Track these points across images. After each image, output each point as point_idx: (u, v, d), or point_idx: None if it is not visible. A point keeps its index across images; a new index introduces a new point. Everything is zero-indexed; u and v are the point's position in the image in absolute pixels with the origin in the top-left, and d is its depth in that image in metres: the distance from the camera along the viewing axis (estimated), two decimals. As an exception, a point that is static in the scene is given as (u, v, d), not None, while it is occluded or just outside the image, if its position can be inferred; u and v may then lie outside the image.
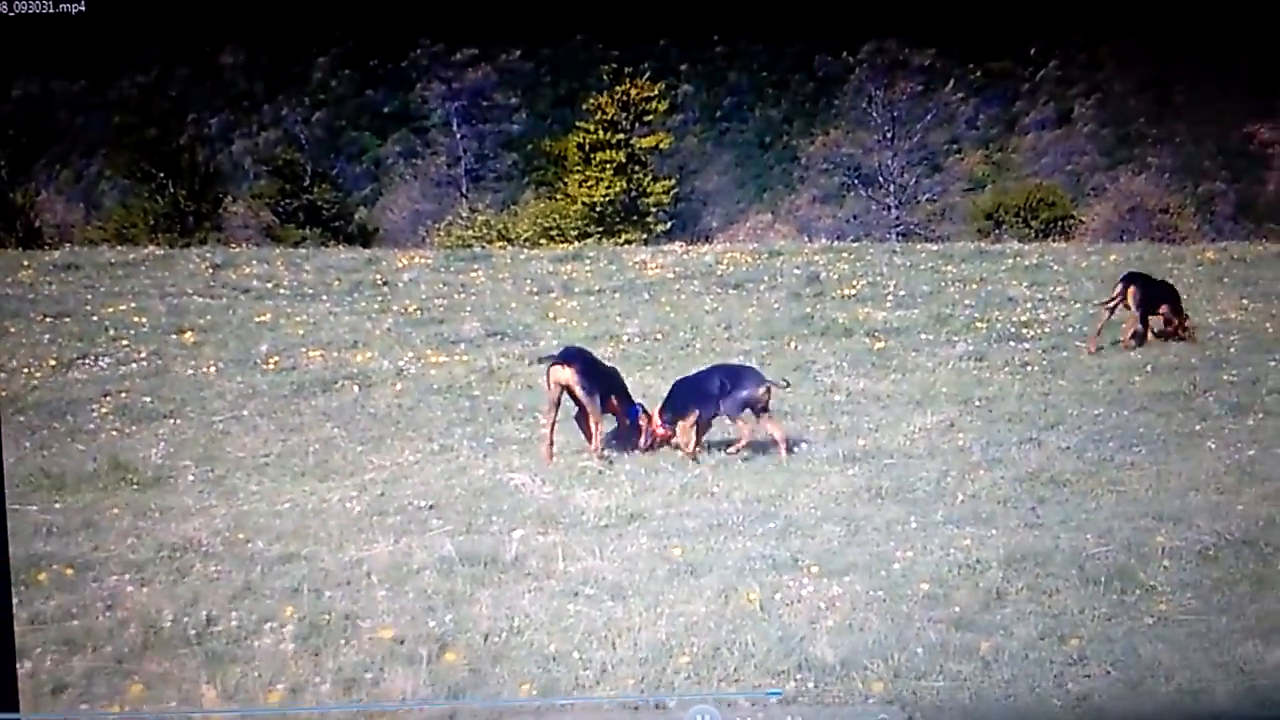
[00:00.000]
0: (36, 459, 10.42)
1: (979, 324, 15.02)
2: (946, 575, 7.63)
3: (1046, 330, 14.74)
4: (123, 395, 12.39)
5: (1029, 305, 15.96)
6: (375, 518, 8.85)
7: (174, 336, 14.65)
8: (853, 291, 16.84)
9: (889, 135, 42.94)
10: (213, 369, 13.40)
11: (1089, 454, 10.28)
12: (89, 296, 16.70)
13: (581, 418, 10.57)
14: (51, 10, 6.41)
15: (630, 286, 17.48)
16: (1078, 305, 15.91)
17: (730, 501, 9.25)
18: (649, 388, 11.34)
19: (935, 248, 21.36)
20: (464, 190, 47.08)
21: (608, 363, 11.26)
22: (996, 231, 36.64)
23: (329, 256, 20.58)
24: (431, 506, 9.13)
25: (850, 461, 10.20)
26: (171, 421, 11.59)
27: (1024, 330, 14.74)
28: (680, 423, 10.41)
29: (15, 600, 6.18)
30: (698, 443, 10.46)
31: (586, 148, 40.11)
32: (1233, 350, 13.82)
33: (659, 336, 14.92)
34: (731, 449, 10.40)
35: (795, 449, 10.54)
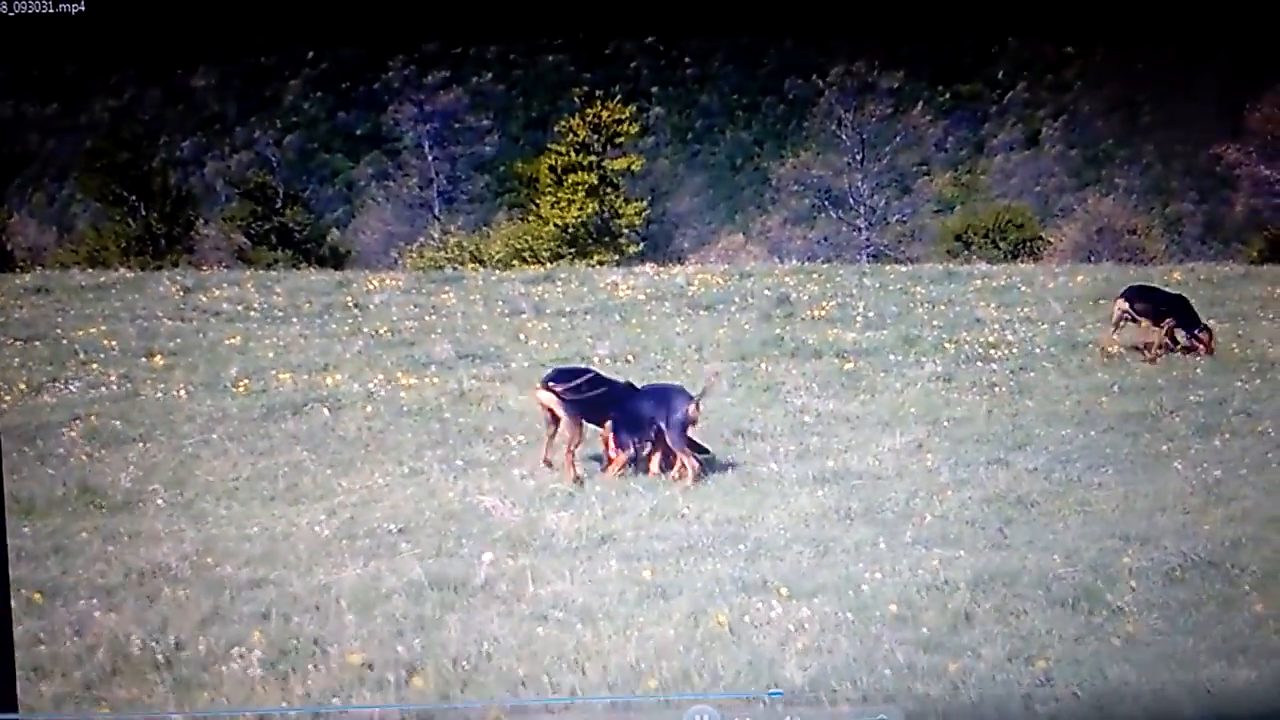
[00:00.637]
0: (6, 483, 10.36)
1: (947, 345, 15.06)
2: (915, 597, 7.68)
3: (1014, 351, 14.80)
4: (92, 419, 12.32)
5: (997, 326, 16.01)
6: (345, 541, 8.84)
7: (144, 360, 14.58)
8: (823, 313, 16.87)
9: (859, 157, 43.05)
10: (183, 392, 13.35)
11: (1056, 475, 10.34)
12: (59, 320, 16.60)
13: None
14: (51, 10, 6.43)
15: (602, 308, 17.46)
16: (1045, 326, 15.97)
17: (701, 523, 9.27)
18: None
19: (905, 269, 21.40)
20: (436, 212, 46.99)
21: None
22: (965, 253, 36.72)
23: (300, 279, 20.50)
24: (401, 530, 9.13)
25: (819, 483, 10.23)
26: (141, 445, 11.54)
27: (992, 351, 14.80)
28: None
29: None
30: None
31: (558, 170, 40.07)
32: (1199, 371, 13.91)
33: (630, 358, 14.91)
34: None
35: (765, 469, 10.59)
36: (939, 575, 7.97)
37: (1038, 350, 14.83)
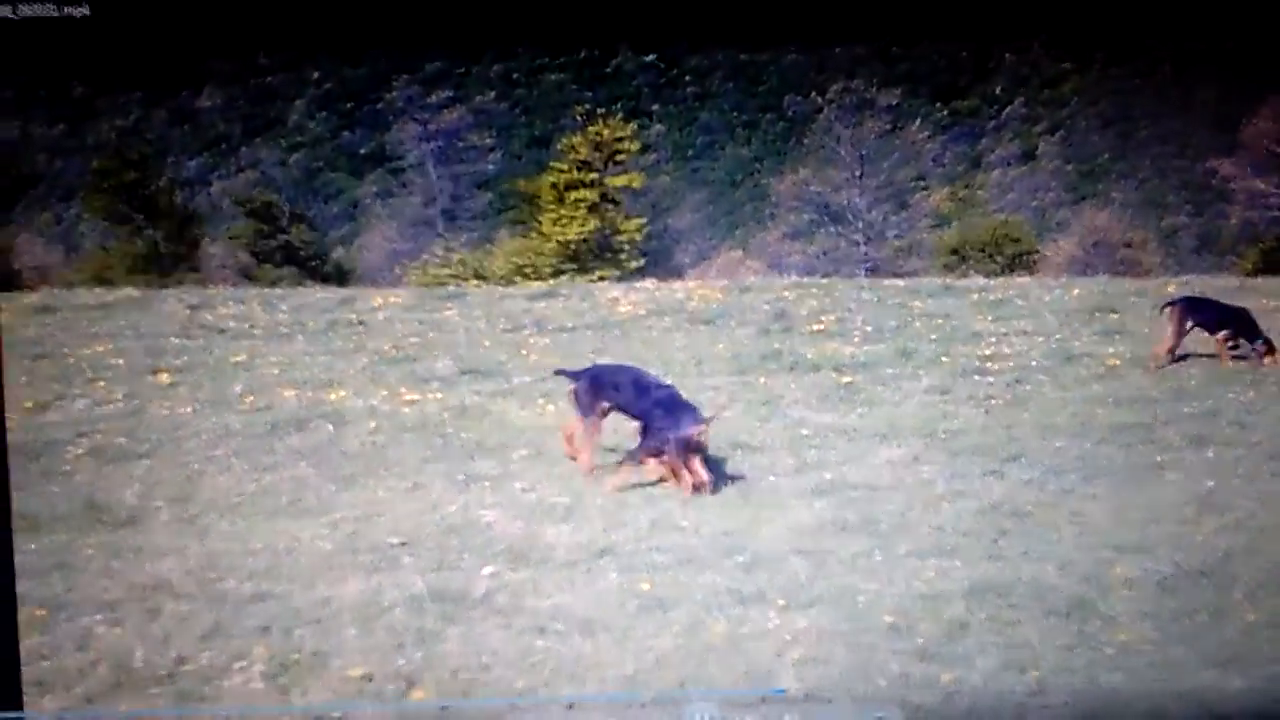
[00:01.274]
0: (12, 501, 10.44)
1: (944, 359, 15.14)
2: (910, 607, 7.75)
3: (1010, 364, 14.87)
4: (98, 436, 12.41)
5: (993, 340, 16.08)
6: (347, 556, 8.92)
7: (150, 377, 14.67)
8: (821, 327, 16.95)
9: (857, 173, 43.31)
10: (188, 409, 13.43)
11: (1050, 486, 10.42)
12: (66, 338, 16.70)
13: None
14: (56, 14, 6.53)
15: (602, 323, 17.56)
16: (1041, 339, 16.05)
17: (699, 536, 9.34)
18: (619, 422, 11.40)
19: (902, 283, 21.47)
20: (440, 229, 47.25)
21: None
22: (962, 267, 36.92)
23: (305, 296, 20.60)
24: (403, 544, 9.20)
25: (817, 495, 10.31)
26: (146, 462, 11.62)
27: (988, 364, 14.88)
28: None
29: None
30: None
31: (560, 187, 40.31)
32: (1193, 383, 13.98)
33: (631, 373, 14.99)
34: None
35: (763, 482, 10.68)
36: (934, 586, 8.05)
37: (1033, 363, 14.91)
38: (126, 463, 11.60)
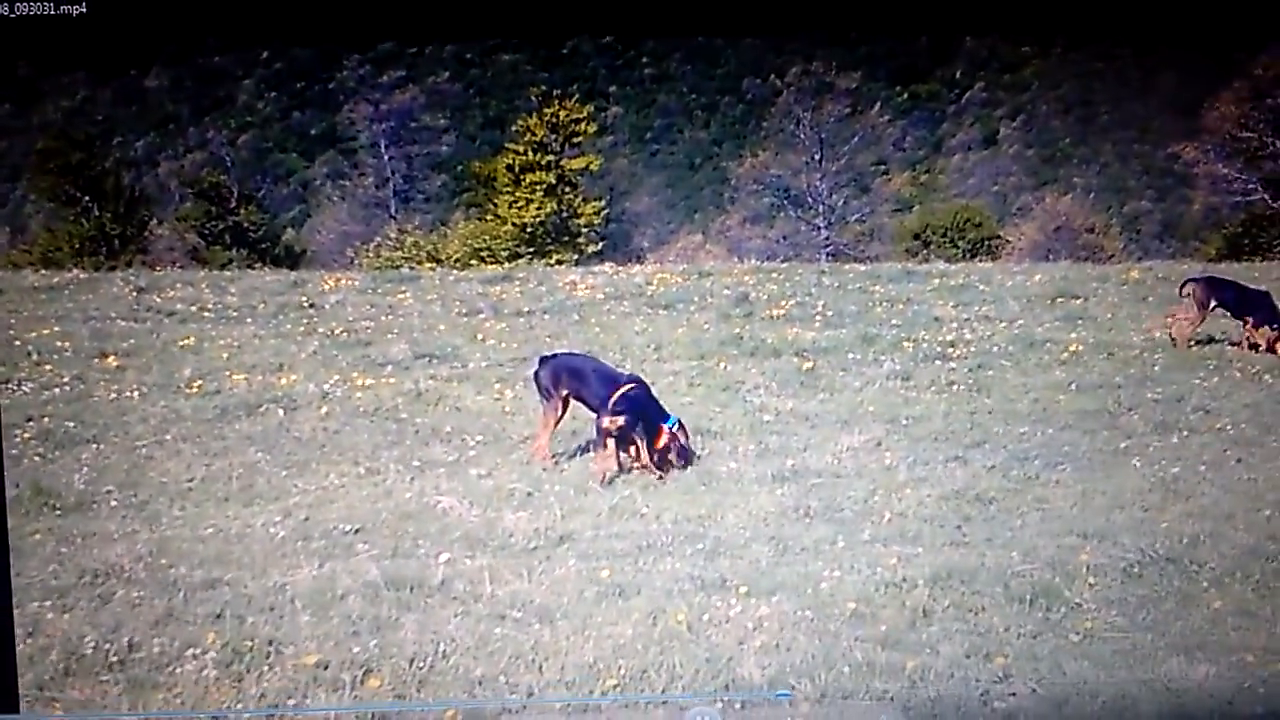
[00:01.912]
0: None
1: (906, 343, 15.11)
2: (873, 594, 7.67)
3: (972, 350, 14.85)
4: (45, 420, 12.18)
5: (955, 325, 16.08)
6: (300, 542, 8.75)
7: (97, 361, 14.44)
8: (781, 311, 16.89)
9: (817, 157, 43.29)
10: (136, 393, 13.22)
11: (1014, 472, 10.36)
12: (12, 321, 16.44)
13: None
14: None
15: (560, 307, 17.43)
16: (1003, 325, 16.06)
17: (659, 522, 9.24)
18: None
19: (863, 268, 21.50)
20: (393, 212, 46.88)
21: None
22: (924, 252, 37.00)
23: (254, 279, 20.37)
24: (357, 530, 9.05)
25: (779, 481, 10.22)
26: (94, 446, 11.41)
27: (950, 350, 14.85)
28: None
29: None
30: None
31: (516, 169, 40.01)
32: (1157, 368, 13.99)
33: (589, 357, 14.89)
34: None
35: (724, 468, 10.58)
36: (897, 573, 7.97)
37: (995, 349, 14.90)
38: (74, 447, 11.38)
